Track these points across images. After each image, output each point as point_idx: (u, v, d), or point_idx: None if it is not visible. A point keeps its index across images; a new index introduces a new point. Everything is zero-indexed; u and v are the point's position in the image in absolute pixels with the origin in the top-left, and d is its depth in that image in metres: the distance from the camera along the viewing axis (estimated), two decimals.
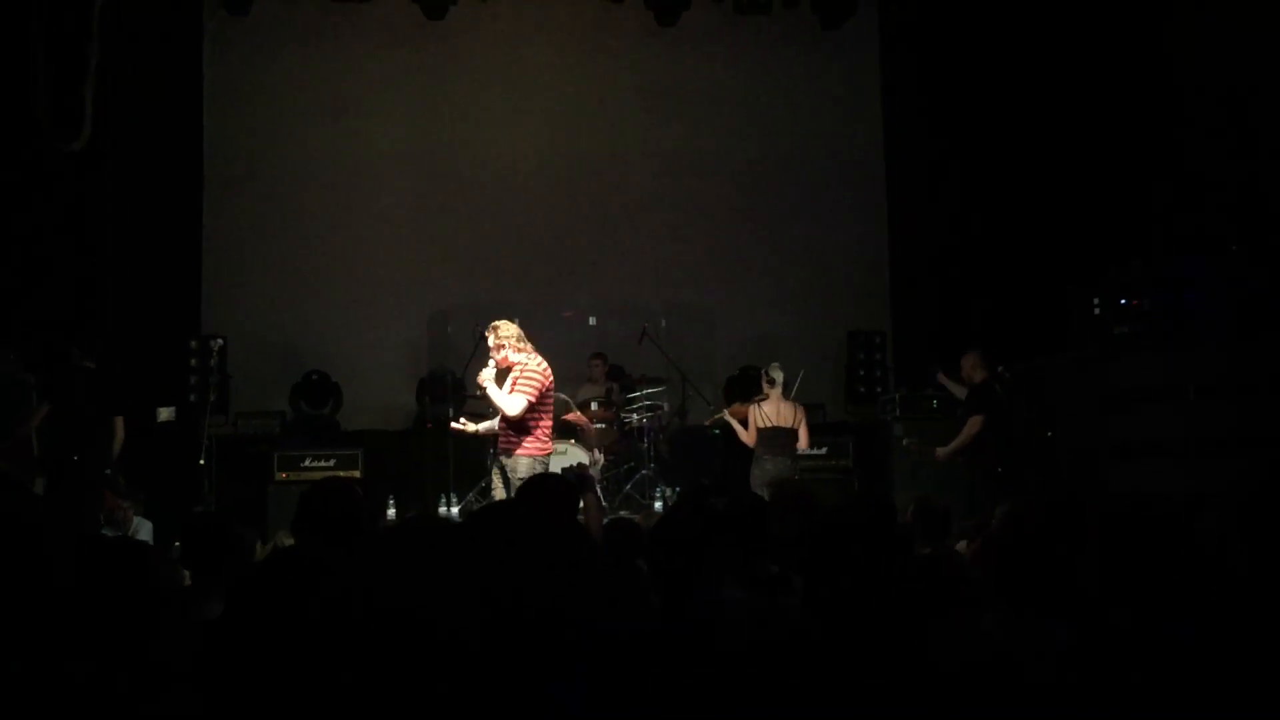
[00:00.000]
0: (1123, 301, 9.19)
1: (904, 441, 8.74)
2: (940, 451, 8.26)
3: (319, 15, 10.78)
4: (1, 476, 6.60)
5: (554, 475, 4.89)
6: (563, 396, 8.78)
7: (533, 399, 6.51)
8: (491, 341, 6.82)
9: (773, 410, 8.14)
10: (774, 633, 2.30)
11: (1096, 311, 9.28)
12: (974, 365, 8.29)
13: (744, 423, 8.35)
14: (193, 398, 9.69)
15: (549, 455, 6.77)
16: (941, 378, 8.78)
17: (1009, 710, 2.20)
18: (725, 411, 8.54)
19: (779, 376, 8.24)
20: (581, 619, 2.08)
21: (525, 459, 6.55)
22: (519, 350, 6.74)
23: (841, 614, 2.57)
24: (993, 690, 2.21)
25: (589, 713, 2.03)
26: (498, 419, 6.80)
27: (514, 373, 6.69)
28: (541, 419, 6.66)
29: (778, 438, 8.11)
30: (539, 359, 6.73)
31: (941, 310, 10.54)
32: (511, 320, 7.01)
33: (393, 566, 2.13)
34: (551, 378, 6.75)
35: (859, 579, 2.68)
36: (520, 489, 3.86)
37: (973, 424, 8.12)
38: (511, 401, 6.54)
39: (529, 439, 6.58)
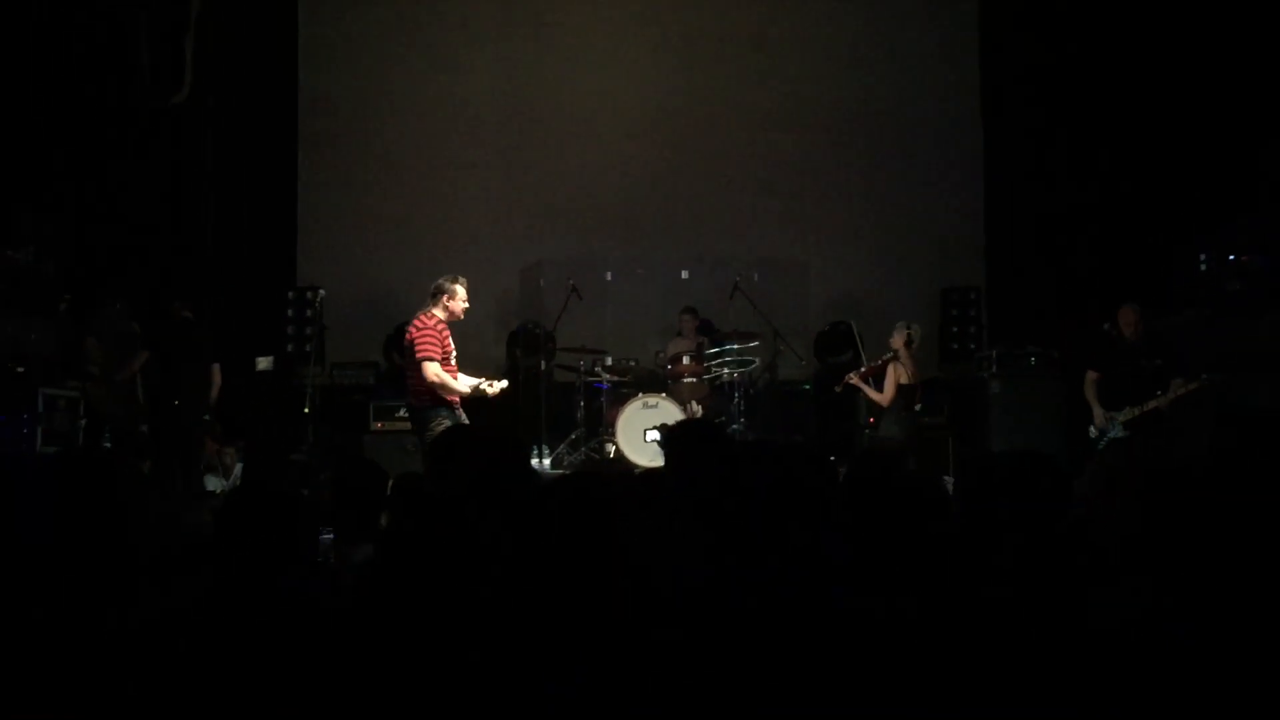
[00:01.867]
0: (1231, 258, 8.94)
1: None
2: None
3: None
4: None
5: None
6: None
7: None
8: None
9: (909, 367, 8.18)
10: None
11: (1203, 268, 9.05)
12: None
13: (870, 382, 8.34)
14: (290, 348, 9.88)
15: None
16: (853, 378, 8.41)
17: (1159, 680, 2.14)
18: (853, 376, 8.46)
19: (918, 334, 8.27)
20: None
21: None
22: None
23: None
24: (1147, 659, 2.15)
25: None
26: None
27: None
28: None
29: (913, 394, 8.19)
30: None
31: (1037, 267, 10.32)
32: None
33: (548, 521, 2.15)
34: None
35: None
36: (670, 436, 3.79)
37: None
38: None
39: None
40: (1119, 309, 7.55)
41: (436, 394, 6.71)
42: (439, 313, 6.84)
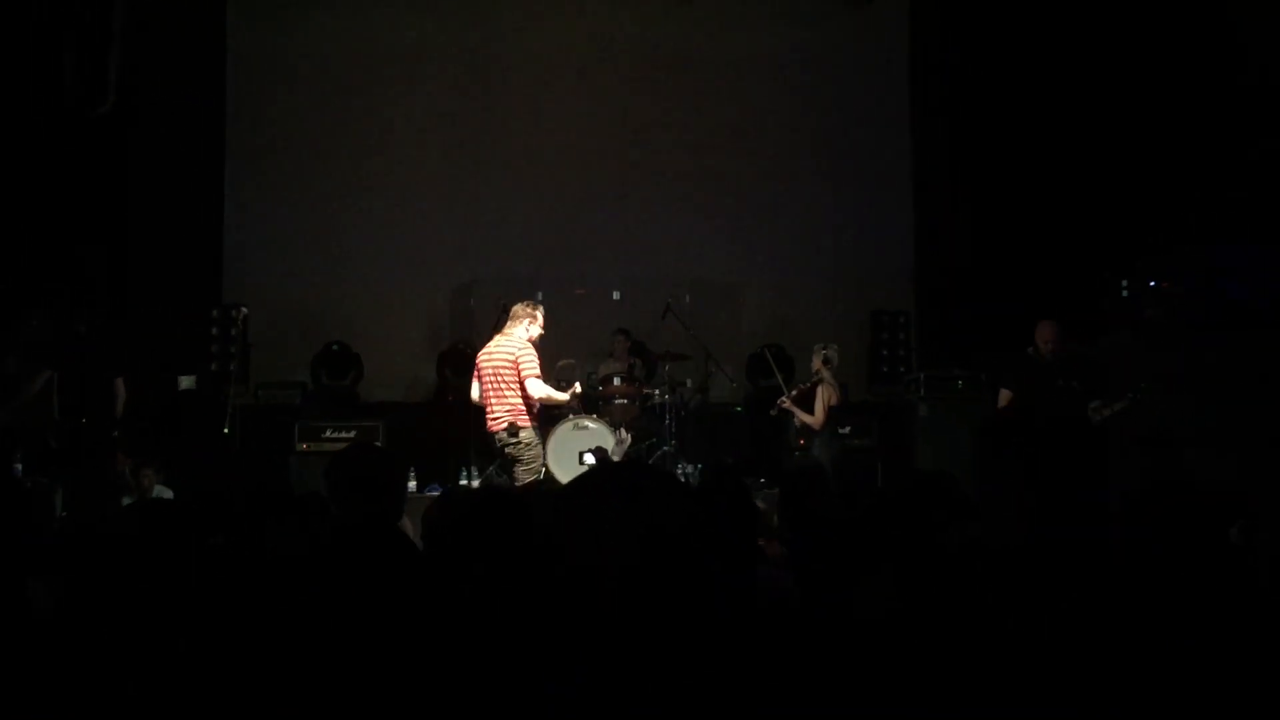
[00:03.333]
0: (1152, 284, 9.11)
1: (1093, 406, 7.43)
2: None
3: None
4: None
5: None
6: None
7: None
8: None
9: (834, 390, 8.24)
10: None
11: (1125, 294, 9.20)
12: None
13: (801, 403, 8.39)
14: (214, 367, 9.68)
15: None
16: (786, 402, 8.52)
17: None
18: (785, 400, 8.52)
19: (836, 355, 8.50)
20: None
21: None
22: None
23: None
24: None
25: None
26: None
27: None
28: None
29: (838, 416, 8.35)
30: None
31: (966, 291, 10.45)
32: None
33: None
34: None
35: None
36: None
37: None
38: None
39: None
40: (1037, 324, 7.51)
41: (535, 410, 7.35)
42: (529, 333, 7.38)
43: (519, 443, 7.29)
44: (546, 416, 9.46)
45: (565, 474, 9.00)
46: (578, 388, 7.85)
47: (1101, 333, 8.68)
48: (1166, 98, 9.23)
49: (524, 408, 7.28)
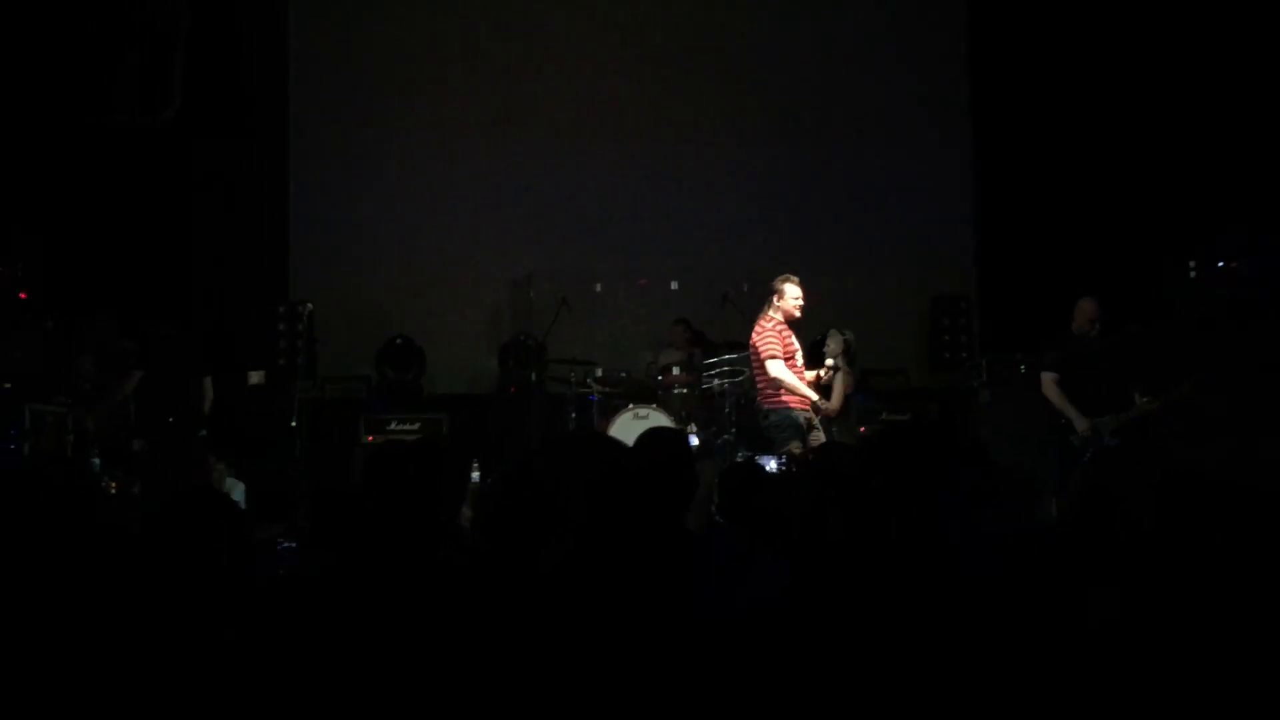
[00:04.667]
0: (1220, 264, 8.93)
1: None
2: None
3: None
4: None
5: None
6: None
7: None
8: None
9: (849, 375, 8.20)
10: None
11: (1192, 275, 9.03)
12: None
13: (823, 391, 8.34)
14: (282, 362, 9.87)
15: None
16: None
17: None
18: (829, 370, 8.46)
19: (853, 341, 8.40)
20: None
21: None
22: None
23: None
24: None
25: None
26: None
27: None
28: None
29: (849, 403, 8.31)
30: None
31: (1030, 275, 10.31)
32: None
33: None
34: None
35: None
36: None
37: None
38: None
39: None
40: (1078, 303, 7.34)
41: (782, 396, 7.14)
42: (774, 314, 7.26)
43: (769, 425, 7.24)
44: (607, 406, 9.57)
45: None
46: (825, 405, 7.44)
47: (1165, 316, 8.52)
48: (1231, 74, 9.04)
49: (771, 389, 7.23)
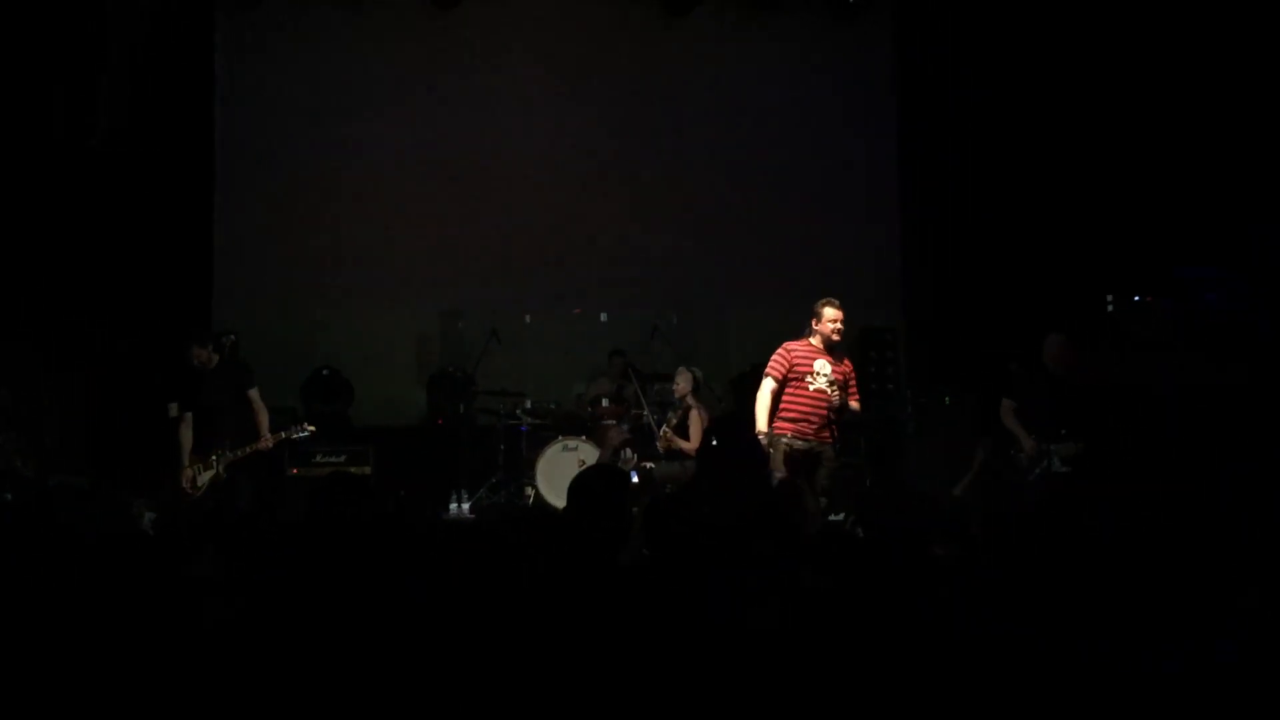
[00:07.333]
0: (1135, 299, 9.15)
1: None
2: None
3: (331, 10, 10.77)
4: None
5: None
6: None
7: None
8: None
9: (704, 410, 8.42)
10: None
11: (1109, 309, 9.25)
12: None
13: (678, 431, 8.50)
14: None
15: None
16: (668, 438, 8.60)
17: None
18: (667, 434, 8.60)
19: (701, 376, 8.79)
20: None
21: None
22: None
23: None
24: None
25: None
26: None
27: None
28: None
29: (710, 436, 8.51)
30: None
31: (955, 308, 10.48)
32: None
33: None
34: None
35: None
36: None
37: None
38: None
39: None
40: (1045, 337, 7.43)
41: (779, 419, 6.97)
42: (813, 339, 7.16)
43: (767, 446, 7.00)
44: (537, 438, 9.55)
45: (552, 494, 9.03)
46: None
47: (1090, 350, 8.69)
48: (1154, 113, 9.29)
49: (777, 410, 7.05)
